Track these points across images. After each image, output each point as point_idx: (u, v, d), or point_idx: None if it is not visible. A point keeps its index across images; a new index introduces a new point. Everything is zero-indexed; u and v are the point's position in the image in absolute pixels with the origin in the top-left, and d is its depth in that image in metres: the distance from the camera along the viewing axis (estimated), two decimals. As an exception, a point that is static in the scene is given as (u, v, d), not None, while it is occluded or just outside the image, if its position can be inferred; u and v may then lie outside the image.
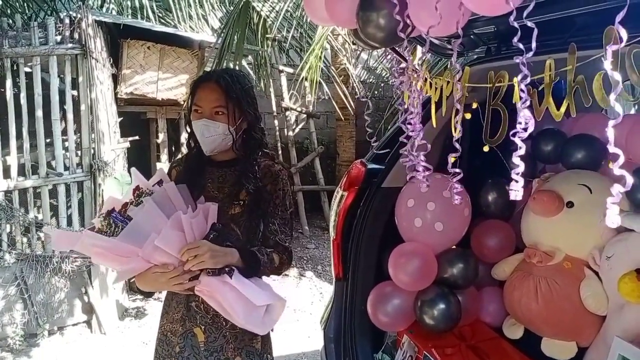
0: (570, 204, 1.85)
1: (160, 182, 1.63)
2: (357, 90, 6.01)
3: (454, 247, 2.05)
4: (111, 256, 1.52)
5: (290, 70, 6.44)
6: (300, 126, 6.90)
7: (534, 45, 0.91)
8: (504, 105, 1.43)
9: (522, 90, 0.94)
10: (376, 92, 7.31)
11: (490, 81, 1.46)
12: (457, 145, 1.43)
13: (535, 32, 0.90)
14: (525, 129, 0.96)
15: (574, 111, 1.13)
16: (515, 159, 0.95)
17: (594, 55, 1.15)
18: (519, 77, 0.94)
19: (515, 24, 0.94)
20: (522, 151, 0.95)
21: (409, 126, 1.65)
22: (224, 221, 1.62)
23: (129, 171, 4.42)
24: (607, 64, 0.85)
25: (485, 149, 1.54)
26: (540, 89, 1.26)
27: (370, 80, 7.41)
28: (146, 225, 1.49)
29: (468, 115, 1.61)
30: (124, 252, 1.50)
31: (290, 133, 6.51)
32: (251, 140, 1.68)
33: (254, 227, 1.67)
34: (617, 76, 0.81)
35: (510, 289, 1.95)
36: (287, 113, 6.47)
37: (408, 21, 1.28)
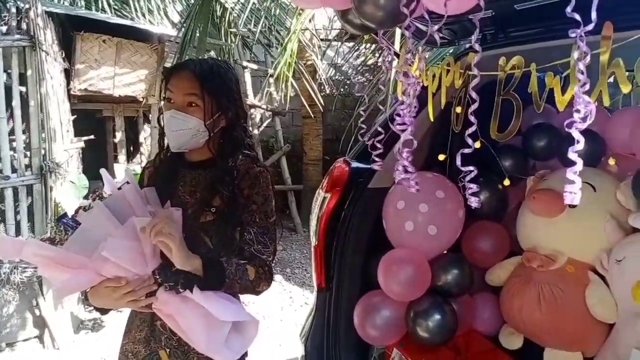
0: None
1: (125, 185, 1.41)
2: (324, 86, 5.84)
3: (446, 252, 1.90)
4: (59, 267, 1.31)
5: (255, 66, 6.22)
6: (265, 124, 6.69)
7: (594, 16, 0.75)
8: (517, 95, 1.28)
9: (580, 72, 0.78)
10: (342, 90, 7.17)
11: (501, 68, 1.32)
12: (470, 141, 1.27)
13: (596, 1, 0.74)
14: (584, 119, 0.79)
15: (608, 99, 0.98)
16: (572, 155, 0.78)
17: (632, 37, 1.01)
18: (575, 54, 0.78)
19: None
20: (580, 146, 0.79)
21: (397, 118, 1.49)
22: (194, 230, 1.41)
23: (84, 172, 4.15)
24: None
25: (477, 145, 1.39)
26: (564, 75, 1.11)
27: (336, 77, 7.27)
28: (95, 232, 1.30)
29: (459, 109, 1.47)
30: (71, 262, 1.29)
31: (256, 131, 6.29)
32: (229, 140, 1.48)
33: (228, 238, 1.45)
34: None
35: (508, 296, 1.80)
36: (252, 111, 6.25)
37: (414, -3, 1.12)
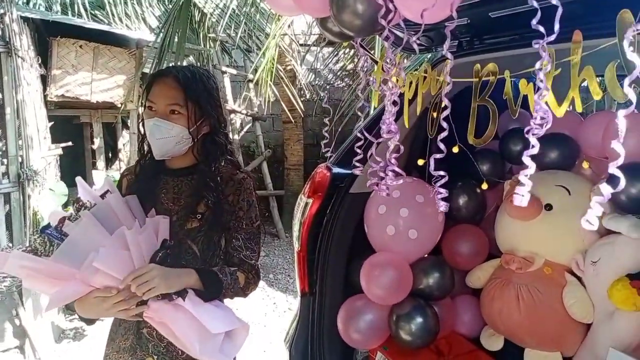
0: (548, 207, 1.76)
1: (107, 193, 1.40)
2: (305, 91, 5.85)
3: (427, 255, 1.93)
4: (45, 279, 1.31)
5: (234, 71, 6.21)
6: (245, 129, 6.68)
7: (556, 27, 0.77)
8: (492, 101, 1.31)
9: (541, 80, 0.81)
10: (322, 95, 7.20)
11: (476, 75, 1.34)
12: (442, 146, 1.30)
13: (560, 11, 0.76)
14: (541, 125, 0.82)
15: (580, 106, 1.01)
16: (526, 159, 0.82)
17: (601, 45, 1.04)
18: (537, 64, 0.81)
19: (535, 4, 0.80)
20: (535, 150, 0.82)
21: (382, 127, 1.51)
22: (180, 237, 1.42)
23: (62, 180, 4.09)
24: (627, 48, 0.74)
25: (455, 149, 1.42)
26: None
27: (316, 82, 7.30)
28: (84, 243, 1.29)
29: (435, 114, 1.50)
30: (59, 274, 1.29)
31: (236, 137, 6.28)
32: (212, 146, 1.49)
33: (214, 243, 1.47)
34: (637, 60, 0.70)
35: (488, 299, 1.83)
36: (232, 116, 6.23)
37: (391, 6, 1.14)
